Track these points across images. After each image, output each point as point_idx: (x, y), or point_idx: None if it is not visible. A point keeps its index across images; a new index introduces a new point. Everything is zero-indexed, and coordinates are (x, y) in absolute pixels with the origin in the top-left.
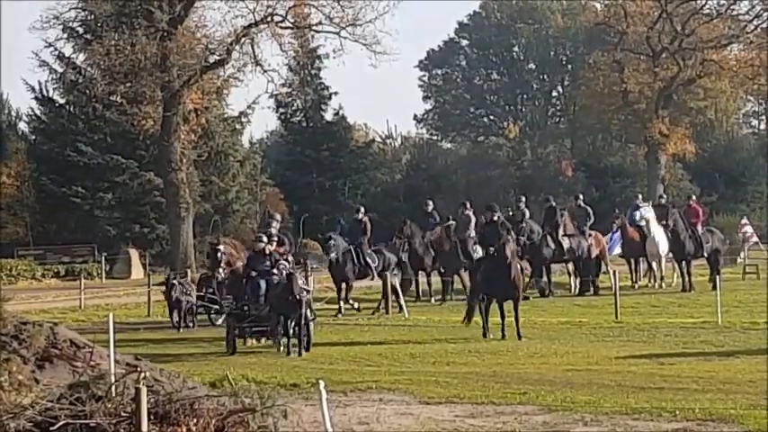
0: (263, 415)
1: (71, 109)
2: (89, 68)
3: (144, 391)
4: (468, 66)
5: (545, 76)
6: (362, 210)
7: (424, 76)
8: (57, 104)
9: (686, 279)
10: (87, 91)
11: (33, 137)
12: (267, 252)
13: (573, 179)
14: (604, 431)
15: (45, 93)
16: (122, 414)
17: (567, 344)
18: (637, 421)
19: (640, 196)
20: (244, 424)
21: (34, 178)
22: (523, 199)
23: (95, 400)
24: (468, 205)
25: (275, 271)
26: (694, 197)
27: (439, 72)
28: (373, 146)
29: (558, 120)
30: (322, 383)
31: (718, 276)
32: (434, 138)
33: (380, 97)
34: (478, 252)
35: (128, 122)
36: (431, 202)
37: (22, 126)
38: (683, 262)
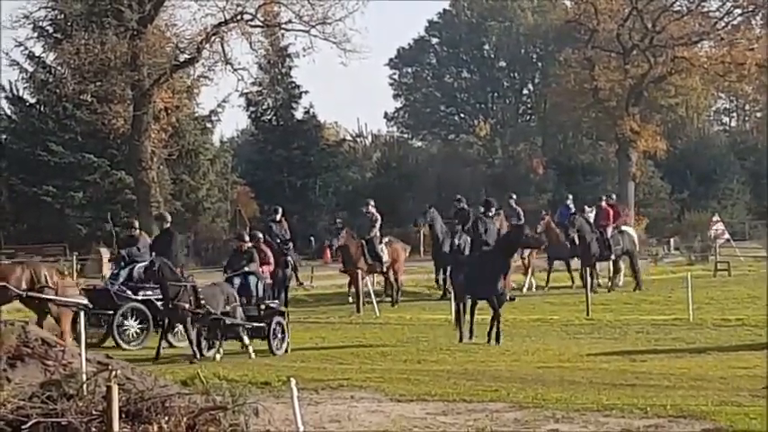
0: (234, 413)
1: (42, 108)
2: (59, 68)
3: (115, 389)
4: (439, 64)
5: (515, 74)
6: (372, 203)
7: (395, 74)
8: (27, 104)
9: (593, 281)
10: (57, 90)
11: (4, 136)
12: (245, 250)
13: (544, 177)
14: (576, 428)
15: (15, 92)
16: (94, 412)
17: (539, 341)
18: (608, 418)
19: (570, 197)
20: (215, 422)
21: (4, 178)
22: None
23: (67, 399)
24: (372, 203)
25: (249, 269)
26: (605, 198)
27: (409, 70)
28: (344, 144)
29: (528, 117)
30: (293, 381)
31: (637, 274)
32: (405, 136)
33: (351, 96)
34: (385, 253)
35: (98, 121)
36: (280, 210)
37: None
38: (588, 265)
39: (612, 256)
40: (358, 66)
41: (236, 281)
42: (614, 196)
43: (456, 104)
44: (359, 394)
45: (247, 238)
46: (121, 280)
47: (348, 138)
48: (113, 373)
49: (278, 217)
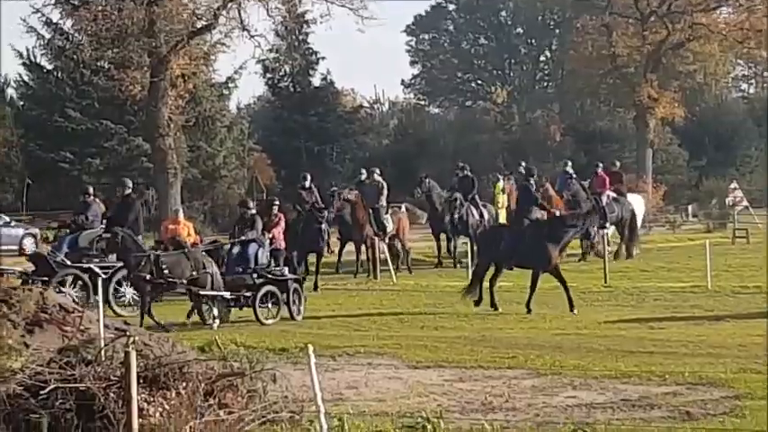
0: (251, 379)
1: (59, 75)
2: (76, 34)
3: (133, 355)
4: (456, 30)
5: (533, 41)
6: (377, 171)
7: (412, 41)
8: (44, 70)
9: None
10: (75, 56)
11: (21, 103)
12: (248, 217)
13: (561, 144)
14: (593, 395)
15: (33, 58)
16: (112, 378)
17: (557, 308)
18: (626, 385)
19: (570, 163)
20: (233, 388)
21: (22, 144)
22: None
23: (85, 365)
24: (379, 172)
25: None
26: (601, 165)
27: (426, 37)
28: (361, 111)
29: (546, 84)
30: (311, 348)
31: (631, 243)
32: (422, 103)
33: (368, 62)
34: (390, 223)
35: (115, 88)
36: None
37: (10, 92)
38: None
39: (607, 224)
40: (375, 32)
41: (236, 249)
42: (617, 163)
43: (473, 71)
44: (376, 361)
45: (251, 205)
46: (65, 247)
47: (365, 104)
48: (131, 339)
49: (307, 184)
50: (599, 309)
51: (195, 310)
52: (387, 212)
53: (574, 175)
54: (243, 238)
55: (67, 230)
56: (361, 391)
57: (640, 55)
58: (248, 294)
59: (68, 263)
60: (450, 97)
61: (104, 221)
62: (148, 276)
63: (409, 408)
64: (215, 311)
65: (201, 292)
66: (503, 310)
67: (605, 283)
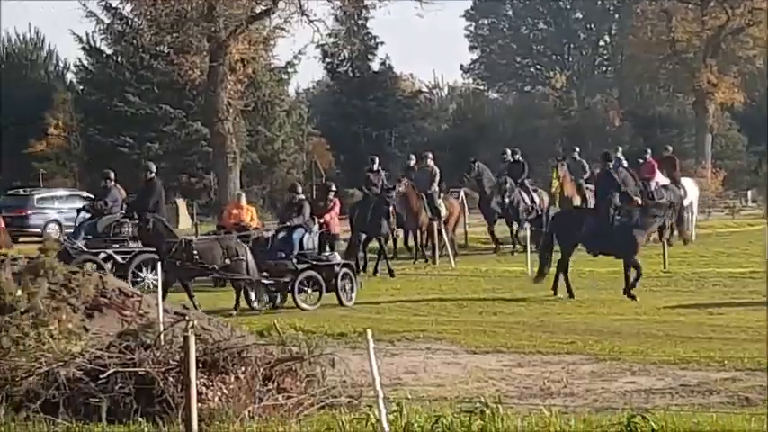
0: (310, 363)
1: (118, 59)
2: (136, 18)
3: (192, 339)
4: (515, 15)
5: (592, 26)
6: (430, 156)
7: (471, 25)
8: (104, 55)
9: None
10: (134, 41)
11: (81, 87)
12: (295, 203)
13: (620, 129)
14: (652, 381)
15: (92, 43)
16: (171, 362)
17: (615, 293)
18: (685, 371)
19: (620, 149)
20: (291, 372)
21: (82, 129)
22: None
23: (144, 349)
24: (431, 156)
25: (296, 221)
26: (650, 151)
27: (485, 22)
28: (420, 96)
29: (605, 69)
30: (369, 332)
31: (680, 228)
32: (481, 88)
33: (427, 47)
34: (443, 207)
35: (175, 72)
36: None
37: (70, 76)
38: None
39: None
40: (434, 17)
41: (281, 234)
42: (670, 148)
43: (532, 56)
44: (435, 346)
45: (299, 190)
46: (83, 233)
47: (424, 89)
48: (190, 323)
49: (375, 167)
50: (658, 294)
51: (240, 298)
52: (439, 197)
53: (624, 162)
54: (288, 223)
55: (87, 216)
56: (420, 377)
57: (700, 40)
58: (287, 280)
59: (85, 249)
60: (508, 82)
61: (125, 206)
62: (179, 262)
63: (468, 393)
64: (252, 296)
65: (236, 278)
66: (562, 294)
67: (664, 268)
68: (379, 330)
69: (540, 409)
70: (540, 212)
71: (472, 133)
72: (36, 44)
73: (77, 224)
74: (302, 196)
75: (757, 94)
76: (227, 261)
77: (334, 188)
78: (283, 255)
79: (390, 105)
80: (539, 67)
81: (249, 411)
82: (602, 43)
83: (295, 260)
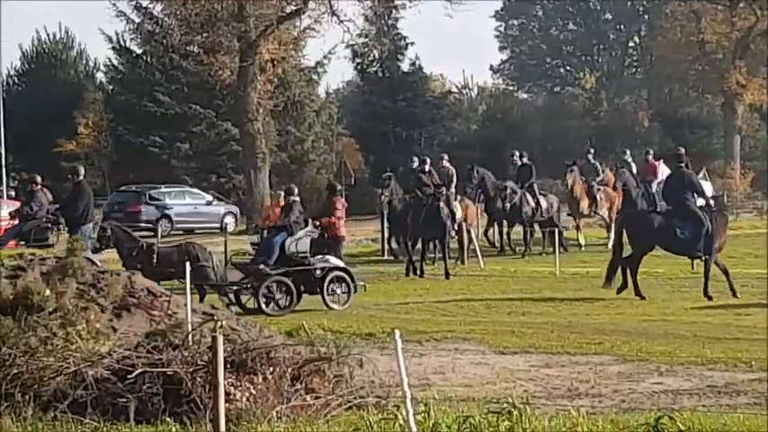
0: (338, 364)
1: (148, 59)
2: (166, 18)
3: (221, 339)
4: (545, 16)
5: (622, 27)
6: (446, 157)
7: (501, 26)
8: (134, 54)
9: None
10: (164, 41)
11: (111, 87)
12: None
13: (649, 130)
14: (680, 381)
15: (122, 43)
16: (199, 363)
17: (644, 294)
18: (712, 371)
19: (628, 152)
20: (320, 373)
21: (112, 128)
22: (593, 151)
23: (172, 349)
24: (447, 158)
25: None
26: (652, 152)
27: (515, 22)
28: (450, 96)
29: (634, 70)
30: (398, 333)
31: None
32: (511, 88)
33: (457, 48)
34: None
35: (205, 72)
36: (416, 159)
37: (100, 76)
38: None
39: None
40: (464, 17)
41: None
42: (682, 150)
43: (562, 57)
44: (463, 346)
45: (294, 191)
46: (10, 238)
47: (454, 90)
48: (219, 323)
49: (426, 167)
50: (686, 295)
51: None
52: (455, 199)
53: (633, 167)
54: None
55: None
56: (448, 377)
57: (729, 41)
58: (258, 284)
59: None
60: (538, 83)
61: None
62: (139, 266)
63: (496, 393)
64: (226, 300)
65: (197, 283)
66: (590, 295)
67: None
68: (407, 331)
69: (568, 409)
70: (544, 216)
71: (502, 134)
72: (66, 44)
73: (4, 229)
74: (295, 198)
75: None
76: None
77: (339, 188)
78: (264, 258)
79: (420, 106)
80: (568, 67)
81: (277, 412)
82: (631, 44)
83: (272, 264)
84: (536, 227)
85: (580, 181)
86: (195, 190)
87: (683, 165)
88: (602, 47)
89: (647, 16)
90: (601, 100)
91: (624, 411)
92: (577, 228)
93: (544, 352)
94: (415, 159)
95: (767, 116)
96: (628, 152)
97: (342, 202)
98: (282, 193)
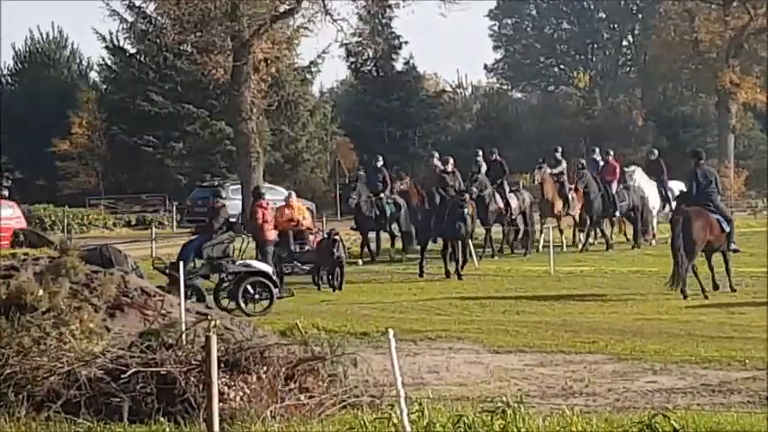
0: (332, 363)
1: (142, 58)
2: (159, 17)
3: (214, 339)
4: (539, 15)
5: (615, 26)
6: (436, 155)
7: (495, 25)
8: (127, 54)
9: (596, 237)
10: (158, 40)
11: (104, 86)
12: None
13: (643, 128)
14: (674, 380)
15: (116, 42)
16: (193, 362)
17: (638, 293)
18: (706, 370)
19: (597, 150)
20: (314, 372)
21: (105, 128)
22: (560, 149)
23: (166, 349)
24: (437, 155)
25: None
26: (612, 152)
27: (509, 22)
28: (444, 95)
29: (628, 69)
30: (391, 332)
31: (646, 233)
32: (505, 87)
33: (451, 47)
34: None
35: (198, 72)
36: (380, 158)
37: (93, 75)
38: (591, 220)
39: (617, 213)
40: (458, 17)
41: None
42: (656, 152)
43: (556, 56)
44: (457, 345)
45: (222, 194)
46: None
47: (448, 89)
48: (212, 323)
49: (449, 168)
50: (679, 294)
51: None
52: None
53: (601, 163)
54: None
55: None
56: (442, 376)
57: (722, 40)
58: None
59: None
60: (532, 82)
61: None
62: None
63: (490, 392)
64: None
65: None
66: (583, 292)
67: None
68: (401, 330)
69: (562, 408)
70: (514, 215)
71: (496, 133)
72: (59, 43)
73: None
74: (222, 202)
75: None
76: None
77: (263, 191)
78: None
79: (414, 105)
80: (562, 66)
81: (271, 411)
82: (625, 43)
83: (186, 268)
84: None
85: (551, 181)
86: (275, 186)
87: (703, 161)
88: (596, 46)
89: (640, 15)
90: (595, 99)
91: (618, 410)
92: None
93: (538, 351)
94: (380, 158)
95: (761, 115)
96: (597, 150)
97: (264, 206)
98: (293, 193)
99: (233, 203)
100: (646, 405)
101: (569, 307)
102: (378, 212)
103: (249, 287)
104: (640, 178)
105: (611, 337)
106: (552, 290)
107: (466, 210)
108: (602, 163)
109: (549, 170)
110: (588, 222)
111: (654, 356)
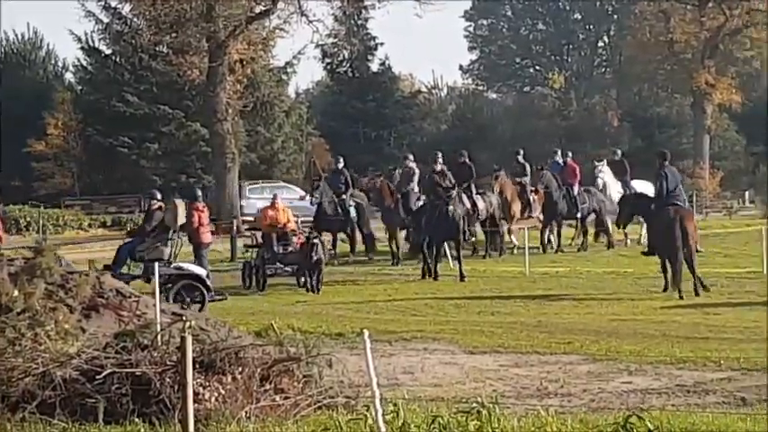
0: (308, 364)
1: (117, 59)
2: (135, 18)
3: (189, 340)
4: (514, 16)
5: (591, 26)
6: (411, 157)
7: (470, 26)
8: (103, 55)
9: (559, 239)
10: (133, 41)
11: (80, 87)
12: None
13: (618, 129)
14: (649, 381)
15: (91, 43)
16: (168, 363)
17: (613, 294)
18: (681, 371)
19: (559, 151)
20: (289, 373)
21: (81, 129)
22: (522, 152)
23: (141, 349)
24: (412, 158)
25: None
26: (570, 154)
27: (485, 22)
28: (419, 96)
29: (604, 70)
30: (367, 333)
31: (606, 235)
32: (480, 88)
33: (426, 48)
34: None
35: (174, 73)
36: (341, 159)
37: (69, 76)
38: (554, 222)
39: (579, 215)
40: (433, 18)
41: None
42: (619, 152)
43: (531, 56)
44: (432, 346)
45: (158, 196)
46: None
47: (423, 90)
48: (187, 323)
49: (438, 167)
50: (655, 294)
51: None
52: (419, 199)
53: (562, 164)
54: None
55: None
56: (417, 377)
57: (698, 41)
58: None
59: None
60: (508, 83)
61: None
62: None
63: (465, 393)
64: None
65: None
66: (558, 293)
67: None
68: (376, 331)
69: (537, 409)
70: (481, 217)
71: (471, 133)
72: (35, 44)
73: None
74: (156, 204)
75: (755, 95)
76: None
77: (199, 194)
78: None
79: (390, 106)
80: (538, 67)
81: (246, 412)
82: (600, 44)
83: (119, 271)
84: (478, 228)
85: (510, 183)
86: (291, 186)
87: (668, 161)
88: (571, 47)
89: (616, 16)
90: (570, 100)
91: (593, 411)
92: (509, 231)
93: (513, 351)
94: (341, 159)
95: (736, 116)
96: (559, 152)
97: (200, 209)
98: (278, 195)
99: (250, 203)
100: (621, 406)
101: (544, 308)
102: (341, 213)
103: (182, 290)
104: (607, 173)
105: (586, 338)
106: (527, 291)
107: (451, 210)
108: (562, 164)
109: (505, 177)
110: (555, 224)
111: (629, 357)
